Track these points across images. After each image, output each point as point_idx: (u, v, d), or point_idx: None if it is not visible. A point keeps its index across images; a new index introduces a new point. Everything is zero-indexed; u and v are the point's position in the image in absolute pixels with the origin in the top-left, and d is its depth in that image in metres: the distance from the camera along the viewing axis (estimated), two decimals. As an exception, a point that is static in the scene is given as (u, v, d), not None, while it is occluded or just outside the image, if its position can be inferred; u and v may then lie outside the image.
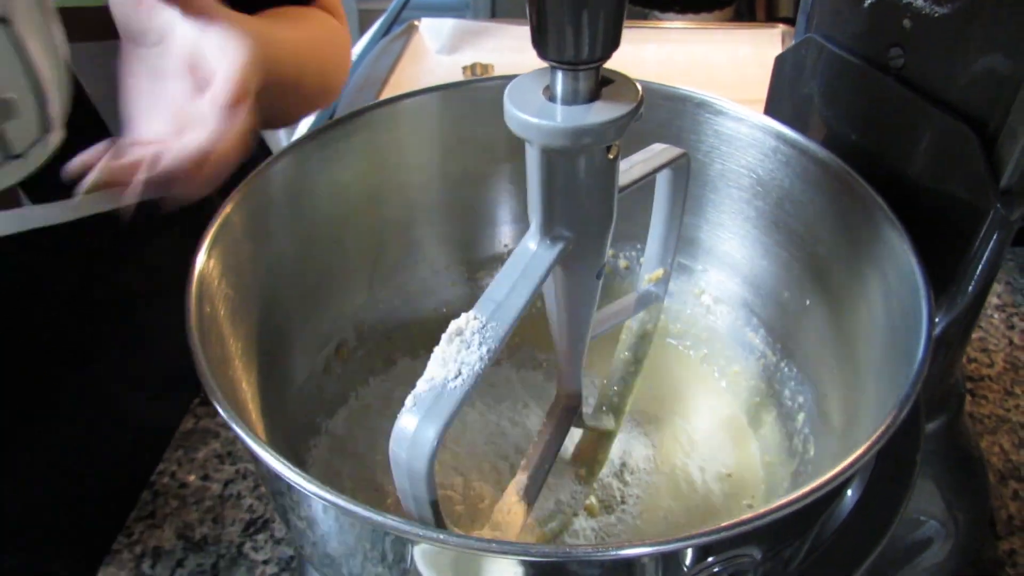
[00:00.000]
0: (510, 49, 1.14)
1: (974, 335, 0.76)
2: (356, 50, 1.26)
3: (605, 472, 0.52)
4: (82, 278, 0.64)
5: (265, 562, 0.59)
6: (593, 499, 0.51)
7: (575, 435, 0.52)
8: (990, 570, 0.57)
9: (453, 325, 0.32)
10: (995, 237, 0.42)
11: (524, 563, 0.28)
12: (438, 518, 0.32)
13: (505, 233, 0.63)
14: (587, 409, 0.50)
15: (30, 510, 0.65)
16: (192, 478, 0.65)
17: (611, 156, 0.32)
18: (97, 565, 0.59)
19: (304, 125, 1.08)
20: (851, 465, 0.30)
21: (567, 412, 0.46)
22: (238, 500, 0.63)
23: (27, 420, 0.64)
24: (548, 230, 0.34)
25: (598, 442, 0.52)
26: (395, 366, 0.61)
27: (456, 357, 0.31)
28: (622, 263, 0.63)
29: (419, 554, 0.32)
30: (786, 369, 0.54)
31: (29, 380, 0.63)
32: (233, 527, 0.61)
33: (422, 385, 0.30)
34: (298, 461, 0.53)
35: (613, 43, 0.29)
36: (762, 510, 0.28)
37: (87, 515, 0.66)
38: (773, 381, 0.55)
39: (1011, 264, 0.84)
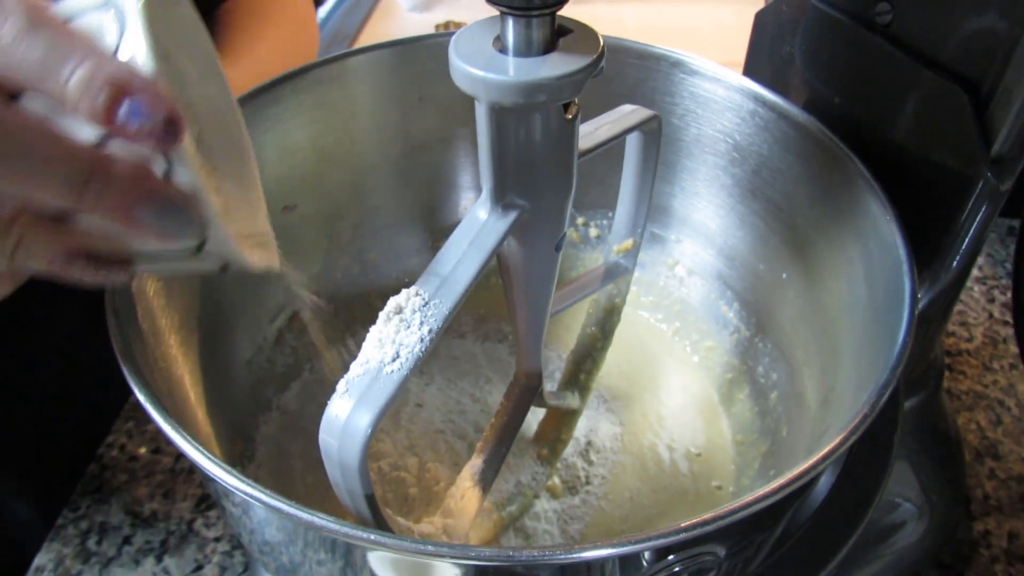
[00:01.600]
0: (486, 8, 1.09)
1: (954, 308, 0.74)
2: (325, 7, 1.21)
3: (569, 451, 0.50)
4: None
5: (217, 539, 0.56)
6: (556, 479, 0.49)
7: (538, 413, 0.50)
8: (964, 551, 0.55)
9: (392, 302, 0.29)
10: (984, 207, 0.40)
11: (463, 567, 0.26)
12: (375, 513, 0.29)
13: (469, 199, 0.60)
14: (550, 387, 0.47)
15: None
16: (143, 451, 0.62)
17: (569, 116, 0.29)
18: (40, 541, 0.56)
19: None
20: (824, 459, 0.28)
21: (527, 391, 0.43)
22: (190, 475, 0.60)
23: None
24: (500, 197, 0.31)
25: (561, 420, 0.49)
26: (354, 337, 0.58)
27: (394, 338, 0.28)
28: (593, 232, 0.60)
29: (360, 552, 0.30)
30: (761, 345, 0.52)
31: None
32: (184, 503, 0.58)
33: (356, 368, 0.27)
34: (245, 439, 0.51)
35: (570, -14, 0.26)
36: (725, 508, 0.26)
37: (30, 489, 0.64)
38: (747, 357, 0.53)
39: (992, 235, 0.82)
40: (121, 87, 0.24)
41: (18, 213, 0.25)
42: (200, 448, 0.28)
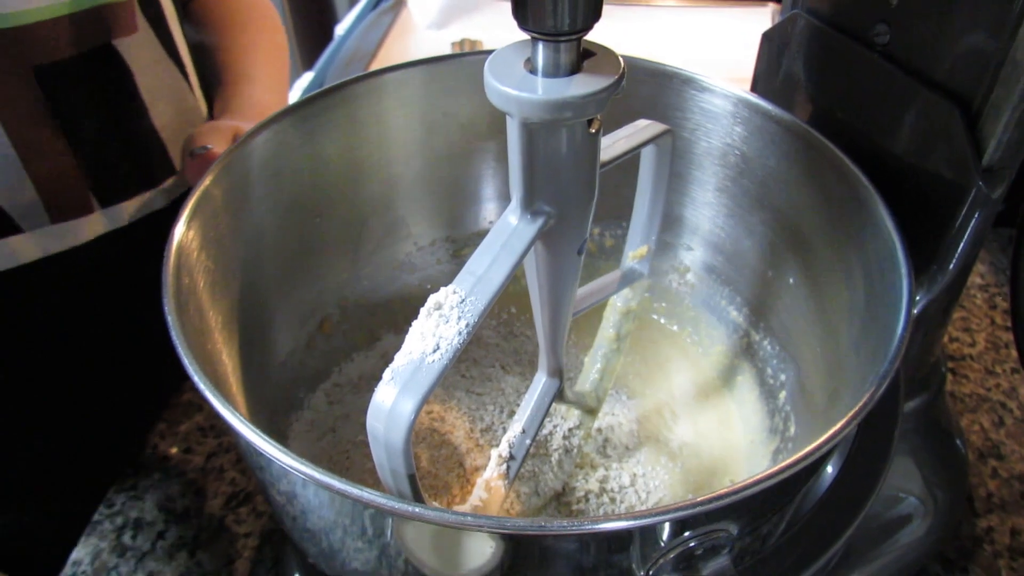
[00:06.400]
0: (500, 25, 1.13)
1: (957, 314, 0.77)
2: (343, 25, 1.24)
3: (588, 448, 0.52)
4: (66, 258, 0.63)
5: (247, 535, 0.59)
6: (576, 473, 0.51)
7: (558, 411, 0.52)
8: (968, 547, 0.57)
9: (432, 299, 0.32)
10: (977, 215, 0.42)
11: (501, 536, 0.28)
12: (416, 492, 0.32)
13: (490, 210, 0.63)
14: (571, 386, 0.50)
15: (10, 482, 0.65)
16: (174, 450, 0.65)
17: (592, 130, 0.32)
18: (78, 535, 0.59)
19: (295, 93, 1.07)
20: (828, 440, 0.30)
21: (549, 388, 0.45)
22: (220, 473, 0.63)
23: (10, 393, 0.64)
24: (529, 205, 0.34)
25: (581, 418, 0.52)
26: (379, 342, 0.61)
27: (435, 331, 0.30)
28: (607, 241, 0.62)
29: (398, 528, 0.32)
30: (768, 347, 0.55)
31: (10, 353, 0.63)
32: (215, 500, 0.61)
33: (400, 359, 0.30)
34: (279, 435, 0.53)
35: (595, 14, 0.28)
36: (739, 484, 0.28)
37: (68, 486, 0.66)
38: (756, 359, 0.56)
39: (994, 244, 0.85)
40: None
41: None
42: (257, 431, 0.31)
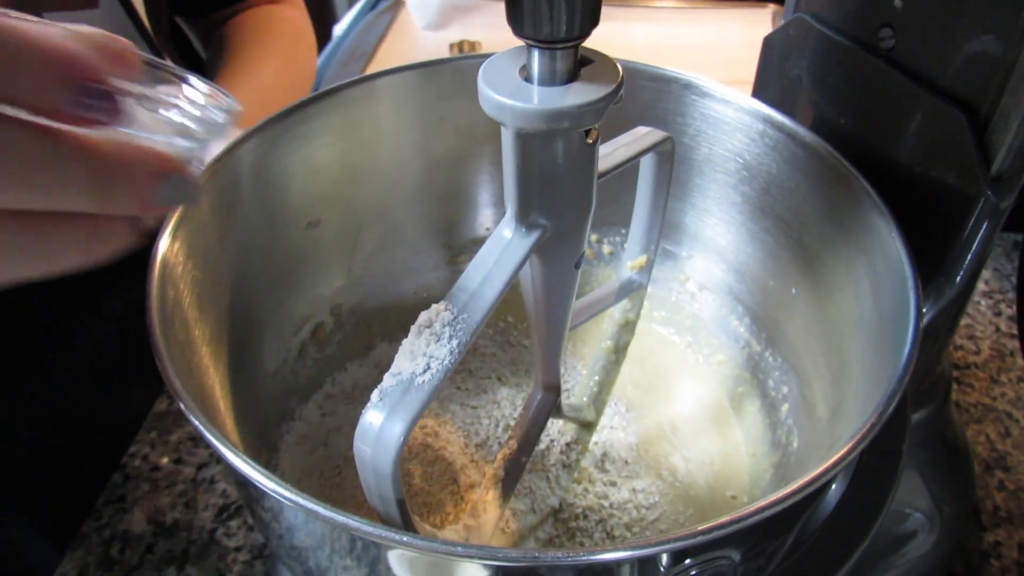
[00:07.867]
0: (499, 26, 1.11)
1: (960, 322, 0.75)
2: (341, 25, 1.23)
3: (586, 462, 0.51)
4: None
5: (238, 549, 0.57)
6: (573, 489, 0.50)
7: (555, 425, 0.51)
8: (975, 562, 0.56)
9: (423, 316, 0.30)
10: (985, 224, 0.41)
11: (491, 567, 0.27)
12: (405, 517, 0.31)
13: (487, 216, 0.62)
14: (567, 399, 0.49)
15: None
16: (164, 461, 0.64)
17: (590, 140, 0.31)
18: (64, 549, 0.57)
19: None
20: (835, 464, 0.29)
21: (546, 403, 0.44)
22: (211, 485, 0.62)
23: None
24: (524, 217, 0.32)
25: (578, 432, 0.50)
26: (373, 350, 0.60)
27: (425, 350, 0.29)
28: (606, 249, 0.61)
29: (388, 554, 0.31)
30: (771, 358, 0.53)
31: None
32: (206, 512, 0.60)
33: (388, 379, 0.29)
34: (270, 448, 0.52)
35: (592, 20, 0.27)
36: (741, 512, 0.27)
37: (54, 497, 0.65)
38: (757, 370, 0.54)
39: (998, 249, 0.83)
40: None
41: None
42: (241, 455, 0.30)
